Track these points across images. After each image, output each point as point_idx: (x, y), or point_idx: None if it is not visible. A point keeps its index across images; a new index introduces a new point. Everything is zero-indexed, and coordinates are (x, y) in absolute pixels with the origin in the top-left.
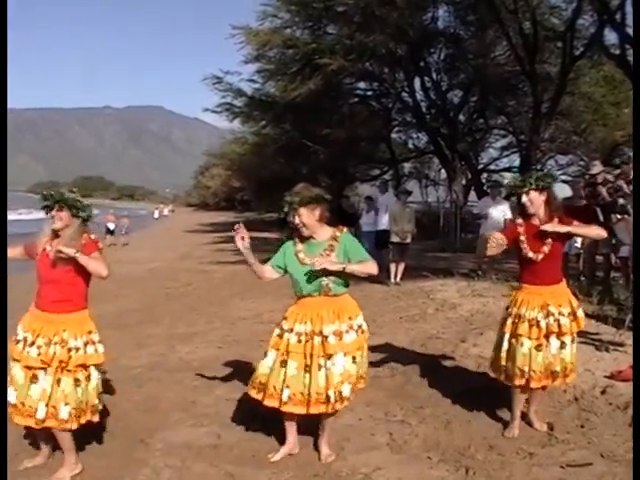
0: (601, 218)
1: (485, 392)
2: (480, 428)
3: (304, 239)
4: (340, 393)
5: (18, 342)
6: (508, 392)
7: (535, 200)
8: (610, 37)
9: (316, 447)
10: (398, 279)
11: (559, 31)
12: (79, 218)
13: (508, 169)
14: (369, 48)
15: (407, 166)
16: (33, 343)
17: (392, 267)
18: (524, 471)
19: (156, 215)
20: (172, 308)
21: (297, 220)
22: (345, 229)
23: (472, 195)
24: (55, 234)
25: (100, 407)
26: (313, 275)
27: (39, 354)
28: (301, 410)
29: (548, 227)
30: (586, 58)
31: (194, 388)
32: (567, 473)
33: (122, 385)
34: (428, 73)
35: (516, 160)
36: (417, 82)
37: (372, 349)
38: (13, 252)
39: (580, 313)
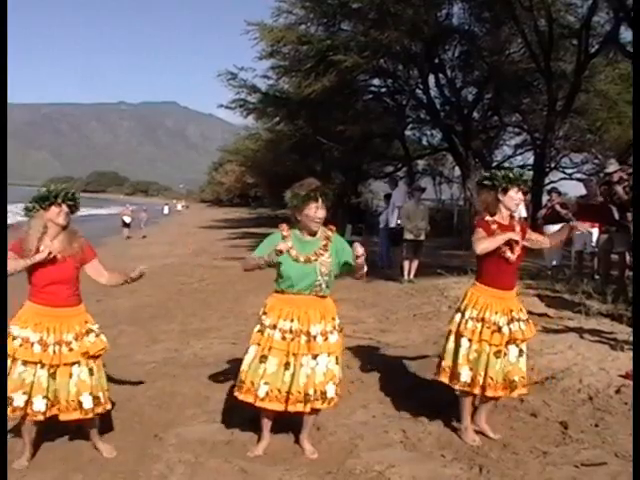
0: (617, 216)
1: None
2: (494, 427)
3: (295, 237)
4: (323, 393)
5: (32, 343)
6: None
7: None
8: (626, 35)
9: (298, 443)
10: (412, 276)
11: (574, 28)
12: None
13: (522, 167)
14: (384, 45)
15: (421, 163)
16: (61, 341)
17: (406, 264)
18: (538, 470)
19: (166, 211)
20: (186, 304)
21: (320, 214)
22: (333, 228)
23: None
24: (45, 231)
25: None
26: (307, 273)
27: (71, 350)
28: (279, 407)
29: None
30: (601, 56)
31: (208, 384)
32: (581, 472)
33: (136, 380)
34: (442, 70)
35: (530, 158)
36: (431, 79)
37: (385, 346)
38: (17, 264)
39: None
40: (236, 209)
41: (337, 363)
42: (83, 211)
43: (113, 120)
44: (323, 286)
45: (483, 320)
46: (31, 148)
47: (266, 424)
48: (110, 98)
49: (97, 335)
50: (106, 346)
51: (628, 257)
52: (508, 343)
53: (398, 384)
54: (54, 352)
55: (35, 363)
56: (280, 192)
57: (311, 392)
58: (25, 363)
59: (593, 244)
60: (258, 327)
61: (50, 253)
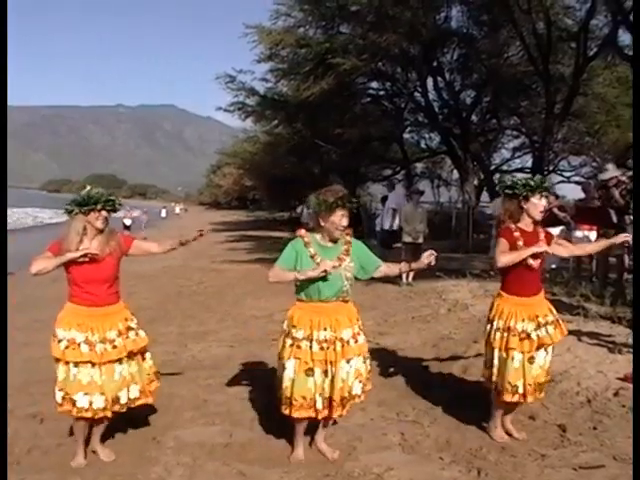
0: (614, 219)
1: None
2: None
3: (316, 243)
4: (351, 392)
5: (79, 344)
6: None
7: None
8: (624, 38)
9: (317, 445)
10: (410, 279)
11: (573, 31)
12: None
13: (520, 170)
14: (382, 48)
15: (419, 166)
16: (105, 340)
17: None
18: (536, 472)
19: (163, 214)
20: (184, 306)
21: (344, 222)
22: (350, 233)
23: (484, 196)
24: (84, 232)
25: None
26: (334, 279)
27: (114, 347)
28: (324, 414)
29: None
30: (600, 59)
31: (206, 387)
32: (579, 475)
33: None
34: (441, 73)
35: (528, 161)
36: (430, 82)
37: (384, 349)
38: (50, 262)
39: (560, 320)
40: (234, 212)
41: (364, 362)
42: None
43: (111, 123)
44: (349, 291)
45: (509, 329)
46: (29, 150)
47: (301, 430)
48: (108, 101)
49: (137, 333)
50: (146, 342)
51: (626, 260)
52: (538, 348)
53: (396, 387)
54: (101, 351)
55: (85, 363)
56: (278, 195)
57: (347, 395)
58: (77, 364)
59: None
60: (290, 341)
61: (87, 254)
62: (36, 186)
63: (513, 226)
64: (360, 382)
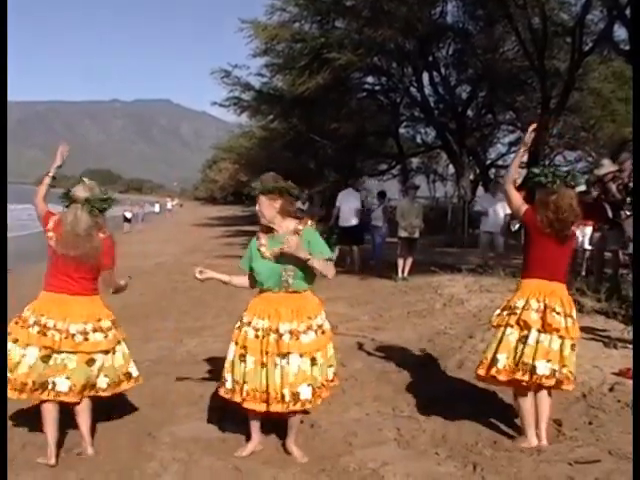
0: (610, 214)
1: (492, 388)
2: (488, 424)
3: (268, 233)
4: (296, 394)
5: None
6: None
7: None
8: (620, 32)
9: (285, 447)
10: (406, 274)
11: (568, 26)
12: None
13: None
14: (377, 43)
15: (415, 161)
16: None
17: (400, 262)
18: (532, 467)
19: (157, 209)
20: (180, 302)
21: (257, 207)
22: (310, 222)
23: (480, 190)
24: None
25: None
26: (273, 269)
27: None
28: (260, 407)
29: None
30: (595, 54)
31: (202, 382)
32: (575, 470)
33: None
34: (436, 68)
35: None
36: (425, 77)
37: (379, 344)
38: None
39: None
40: (230, 207)
41: (314, 364)
42: None
43: (106, 118)
44: (290, 281)
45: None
46: (24, 146)
47: (254, 424)
48: (103, 96)
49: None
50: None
51: (621, 255)
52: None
53: (392, 382)
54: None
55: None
56: None
57: (286, 392)
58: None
59: (587, 242)
60: (238, 324)
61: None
62: (31, 181)
63: None
64: (309, 386)
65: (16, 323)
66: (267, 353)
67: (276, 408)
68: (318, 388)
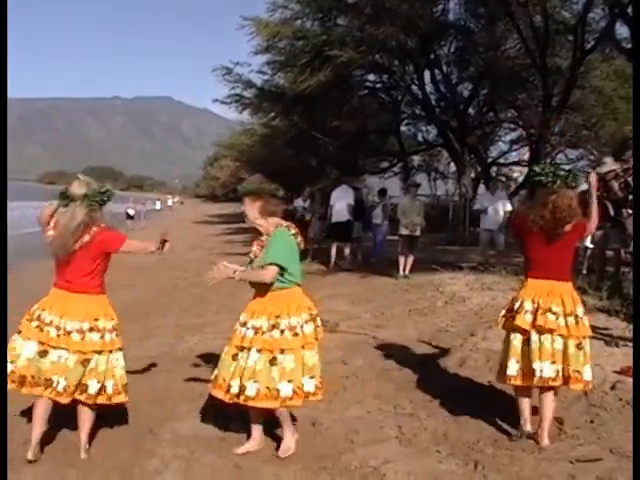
0: (612, 213)
1: (494, 386)
2: (489, 422)
3: (257, 235)
4: (243, 388)
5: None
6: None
7: None
8: (622, 31)
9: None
10: (407, 272)
11: (570, 24)
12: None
13: (517, 163)
14: (379, 40)
15: (416, 159)
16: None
17: (401, 260)
18: (533, 466)
19: (157, 206)
20: (181, 299)
21: (247, 210)
22: (284, 225)
23: (481, 188)
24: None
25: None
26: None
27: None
28: (222, 395)
29: None
30: (597, 52)
31: (203, 379)
32: (576, 468)
33: (130, 376)
34: (438, 66)
35: (526, 154)
36: (427, 75)
37: (381, 342)
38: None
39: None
40: (231, 204)
41: (273, 364)
42: None
43: (107, 115)
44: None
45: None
46: (25, 143)
47: (254, 423)
48: (104, 93)
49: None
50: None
51: (623, 253)
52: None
53: (393, 380)
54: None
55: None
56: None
57: (233, 384)
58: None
59: (588, 240)
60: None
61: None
62: (32, 178)
63: None
64: (255, 382)
65: (27, 317)
66: (237, 346)
67: (223, 397)
68: (268, 389)
